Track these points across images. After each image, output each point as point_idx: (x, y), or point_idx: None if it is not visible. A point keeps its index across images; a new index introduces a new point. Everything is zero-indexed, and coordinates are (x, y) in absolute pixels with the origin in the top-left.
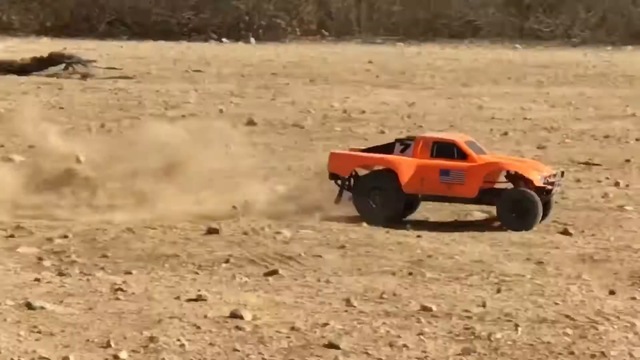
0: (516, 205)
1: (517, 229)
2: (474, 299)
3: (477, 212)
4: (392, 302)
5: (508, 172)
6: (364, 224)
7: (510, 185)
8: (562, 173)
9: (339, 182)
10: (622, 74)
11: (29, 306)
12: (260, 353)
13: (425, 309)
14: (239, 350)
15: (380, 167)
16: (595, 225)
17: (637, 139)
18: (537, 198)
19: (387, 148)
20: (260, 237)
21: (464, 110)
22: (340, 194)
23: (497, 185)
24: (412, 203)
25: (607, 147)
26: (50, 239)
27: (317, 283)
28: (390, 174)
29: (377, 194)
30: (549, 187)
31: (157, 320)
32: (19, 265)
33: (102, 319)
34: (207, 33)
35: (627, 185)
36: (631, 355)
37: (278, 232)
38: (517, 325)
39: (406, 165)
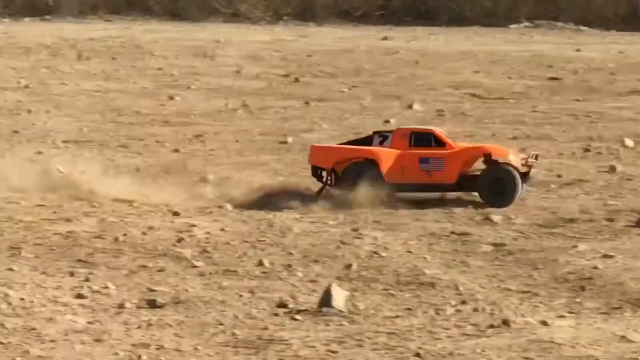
0: (495, 182)
1: (497, 205)
2: None
3: None
4: None
5: (486, 157)
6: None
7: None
8: (537, 156)
9: (322, 176)
10: (19, 46)
11: None
12: None
13: None
14: None
15: (360, 160)
16: None
17: (29, 111)
18: (516, 173)
19: (366, 141)
20: None
21: None
22: (322, 189)
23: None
24: None
25: None
26: None
27: None
28: (371, 165)
29: (360, 184)
30: (527, 169)
31: None
32: None
33: None
34: None
35: None
36: (3, 326)
37: None
38: None
39: (386, 156)
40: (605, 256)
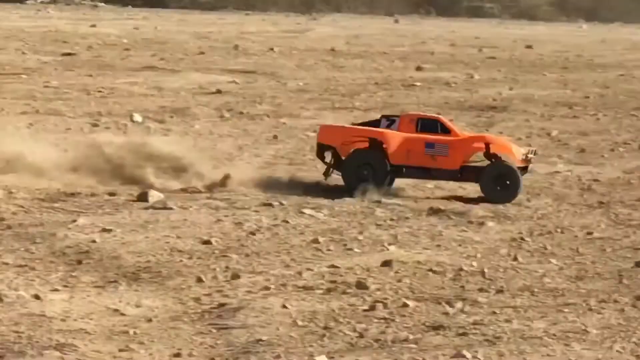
0: (499, 178)
1: (500, 201)
2: None
3: None
4: None
5: (487, 150)
6: None
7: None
8: (535, 151)
9: (326, 158)
10: None
11: None
12: None
13: None
14: None
15: (366, 145)
16: None
17: None
18: (518, 170)
19: (374, 124)
20: None
21: None
22: (328, 170)
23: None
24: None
25: None
26: None
27: None
28: (376, 150)
29: (365, 168)
30: (527, 163)
31: None
32: None
33: None
34: None
35: None
36: None
37: None
38: None
39: (393, 138)
40: (104, 230)
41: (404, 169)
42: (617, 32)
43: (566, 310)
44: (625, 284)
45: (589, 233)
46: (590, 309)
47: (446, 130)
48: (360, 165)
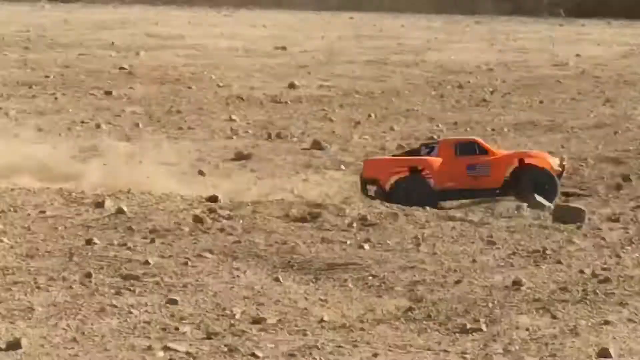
0: (538, 186)
1: (540, 207)
2: None
3: None
4: None
5: (521, 161)
6: None
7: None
8: (564, 159)
9: (371, 192)
10: None
11: None
12: None
13: None
14: None
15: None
16: None
17: None
18: (556, 177)
19: (413, 153)
20: None
21: None
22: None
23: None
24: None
25: None
26: None
27: None
28: (420, 177)
29: (412, 196)
30: (562, 170)
31: None
32: None
33: None
34: None
35: None
36: None
37: None
38: None
39: (437, 164)
40: None
41: (449, 192)
42: (78, 12)
43: (14, 288)
44: (75, 261)
45: (42, 212)
46: (39, 287)
47: (483, 151)
48: (407, 194)
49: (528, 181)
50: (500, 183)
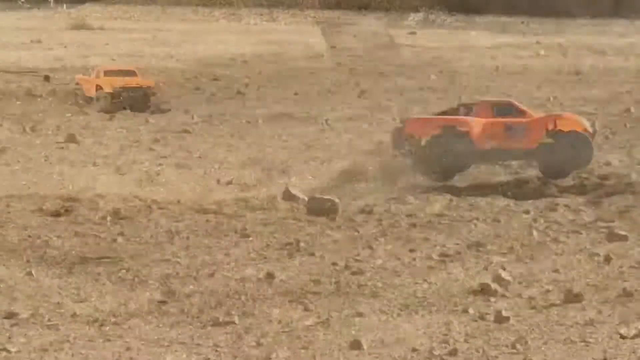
0: (574, 147)
1: (575, 168)
2: None
3: None
4: None
5: (554, 125)
6: None
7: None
8: (594, 122)
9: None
10: None
11: None
12: None
13: None
14: None
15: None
16: None
17: None
18: (590, 138)
19: (452, 113)
20: None
21: None
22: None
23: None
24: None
25: None
26: None
27: None
28: (462, 134)
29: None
30: (594, 133)
31: None
32: None
33: None
34: None
35: None
36: None
37: None
38: None
39: (476, 124)
40: None
41: (485, 153)
42: None
43: None
44: None
45: None
46: None
47: (520, 113)
48: (444, 151)
49: (563, 144)
50: (536, 144)
